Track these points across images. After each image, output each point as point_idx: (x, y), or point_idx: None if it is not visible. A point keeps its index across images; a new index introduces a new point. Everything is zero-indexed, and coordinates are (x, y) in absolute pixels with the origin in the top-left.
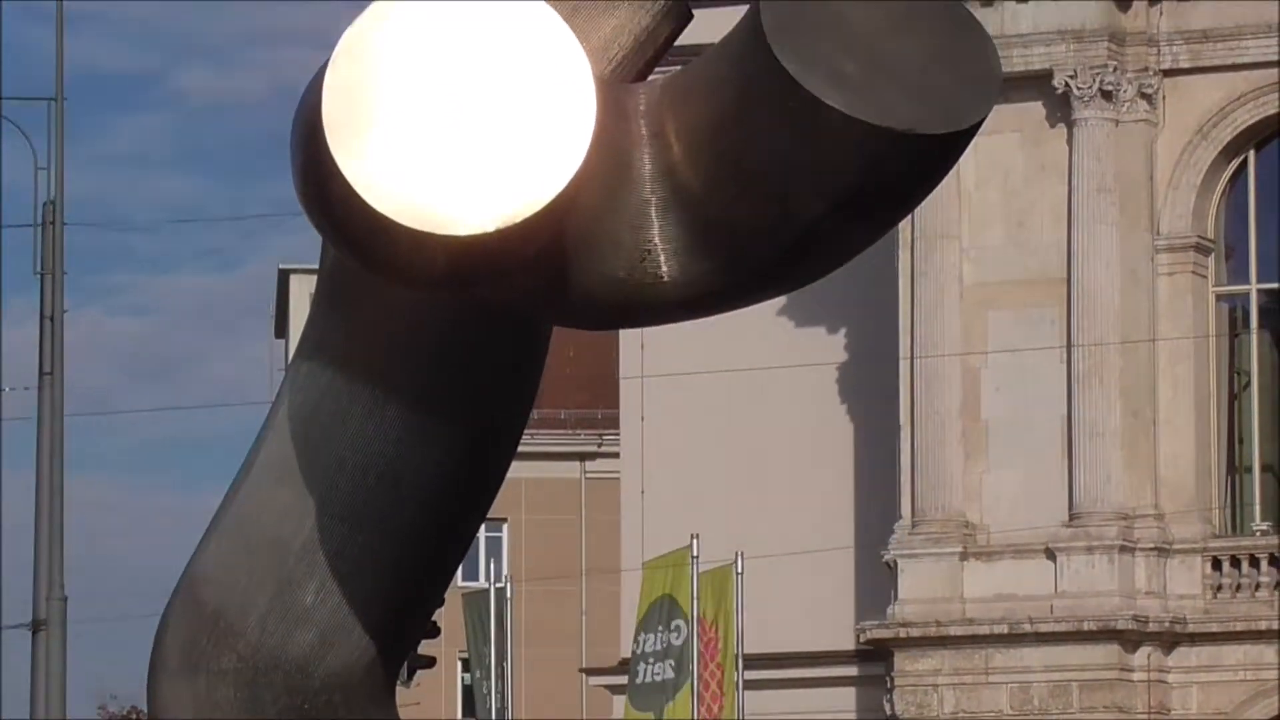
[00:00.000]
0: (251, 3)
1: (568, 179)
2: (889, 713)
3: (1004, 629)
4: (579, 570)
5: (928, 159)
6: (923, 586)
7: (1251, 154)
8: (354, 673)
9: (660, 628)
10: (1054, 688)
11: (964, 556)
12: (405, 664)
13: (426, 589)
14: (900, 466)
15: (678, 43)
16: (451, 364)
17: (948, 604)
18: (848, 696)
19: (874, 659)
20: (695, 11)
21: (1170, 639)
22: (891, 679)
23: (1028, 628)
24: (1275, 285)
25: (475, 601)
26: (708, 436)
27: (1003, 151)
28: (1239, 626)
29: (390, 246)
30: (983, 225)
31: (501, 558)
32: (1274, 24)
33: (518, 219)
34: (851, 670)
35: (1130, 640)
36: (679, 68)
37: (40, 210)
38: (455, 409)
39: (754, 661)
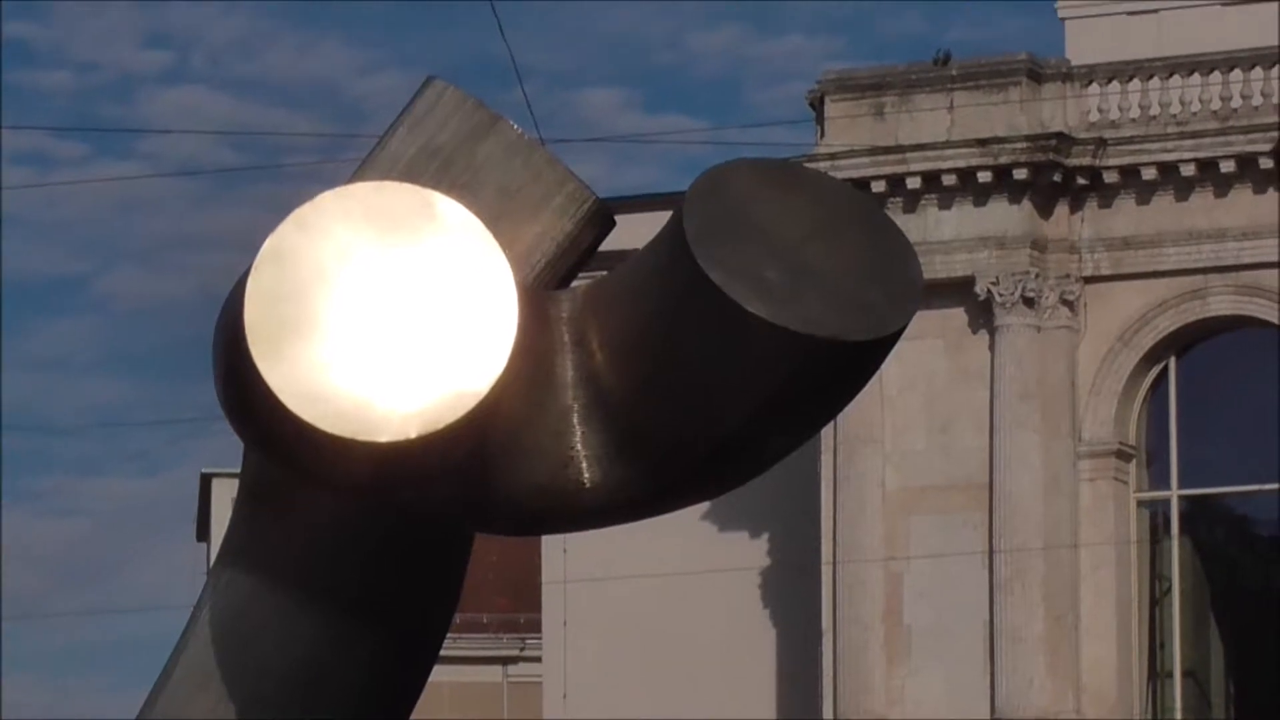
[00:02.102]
0: (182, 208)
1: (490, 386)
2: None
3: None
4: None
5: (850, 366)
6: None
7: (1172, 360)
8: None
9: None
10: None
11: None
12: None
13: None
14: (823, 671)
15: (601, 248)
16: (374, 568)
17: None
18: None
19: None
20: (618, 217)
21: None
22: None
23: None
24: (1197, 491)
25: None
26: (630, 641)
27: (925, 357)
28: None
29: (312, 453)
30: (905, 430)
31: None
32: (1195, 231)
33: (440, 426)
34: None
35: None
36: (603, 273)
37: None
38: (378, 613)
39: None
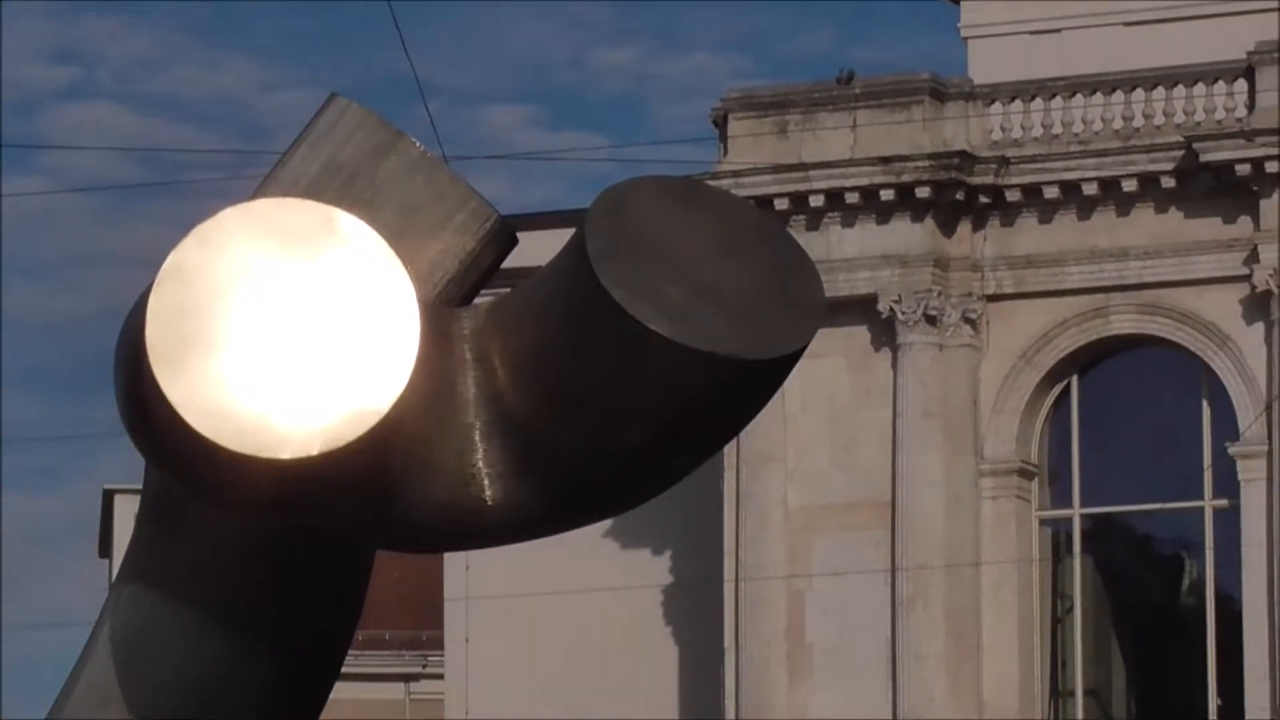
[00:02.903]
0: (85, 224)
1: (391, 403)
2: None
3: None
4: None
5: (752, 384)
6: None
7: (1074, 379)
8: None
9: None
10: None
11: None
12: None
13: None
14: (725, 688)
15: (504, 266)
16: (276, 586)
17: None
18: None
19: None
20: (522, 235)
21: None
22: None
23: None
24: (1098, 510)
25: None
26: (533, 658)
27: (828, 375)
28: None
29: (213, 470)
30: (808, 448)
31: None
32: (1096, 250)
33: (341, 443)
34: None
35: None
36: (506, 291)
37: None
38: (280, 630)
39: None
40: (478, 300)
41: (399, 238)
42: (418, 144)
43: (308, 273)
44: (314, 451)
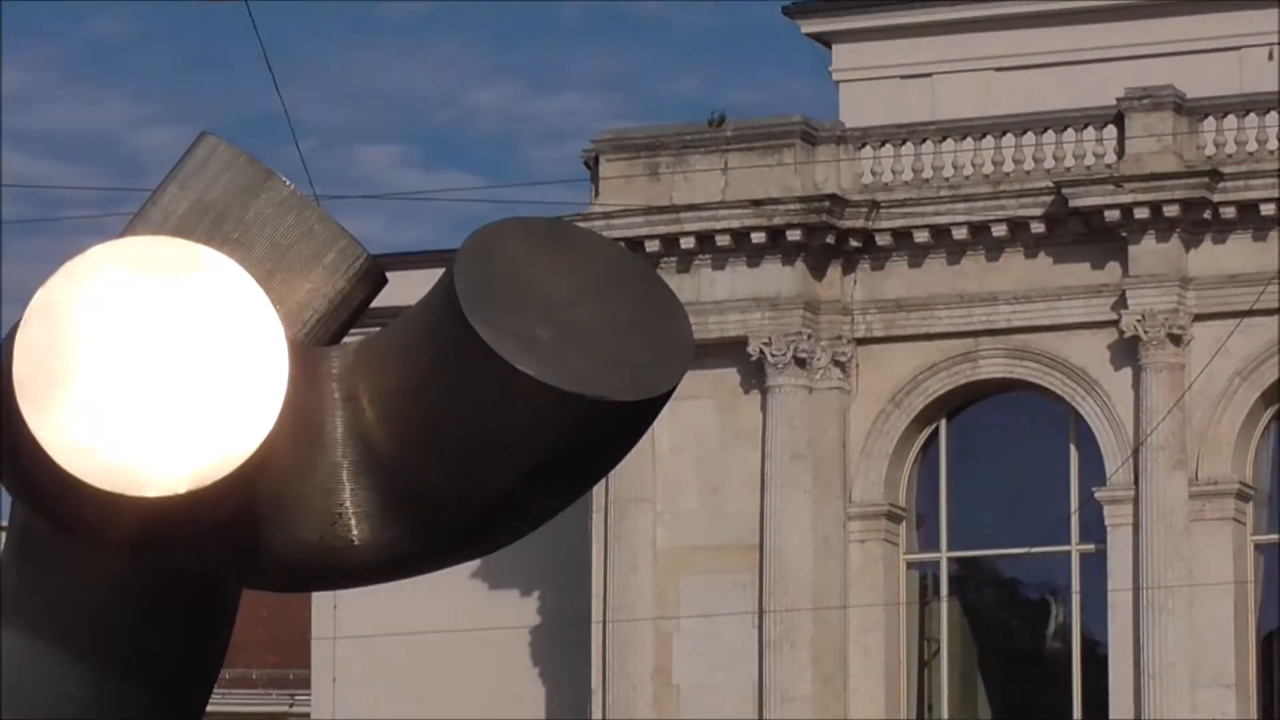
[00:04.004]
0: None
1: (259, 442)
2: None
3: None
4: None
5: (619, 426)
6: None
7: (943, 423)
8: None
9: None
10: None
11: None
12: None
13: None
14: None
15: (376, 305)
16: (142, 624)
17: None
18: None
19: None
20: (395, 274)
21: None
22: None
23: None
24: (966, 554)
25: None
26: (400, 698)
27: (697, 417)
28: None
29: (79, 507)
30: (676, 490)
31: None
32: (966, 294)
33: (208, 481)
34: None
35: None
36: (376, 330)
37: None
38: (145, 669)
39: None
40: (347, 339)
41: (268, 276)
42: (288, 183)
43: (176, 311)
44: (181, 490)
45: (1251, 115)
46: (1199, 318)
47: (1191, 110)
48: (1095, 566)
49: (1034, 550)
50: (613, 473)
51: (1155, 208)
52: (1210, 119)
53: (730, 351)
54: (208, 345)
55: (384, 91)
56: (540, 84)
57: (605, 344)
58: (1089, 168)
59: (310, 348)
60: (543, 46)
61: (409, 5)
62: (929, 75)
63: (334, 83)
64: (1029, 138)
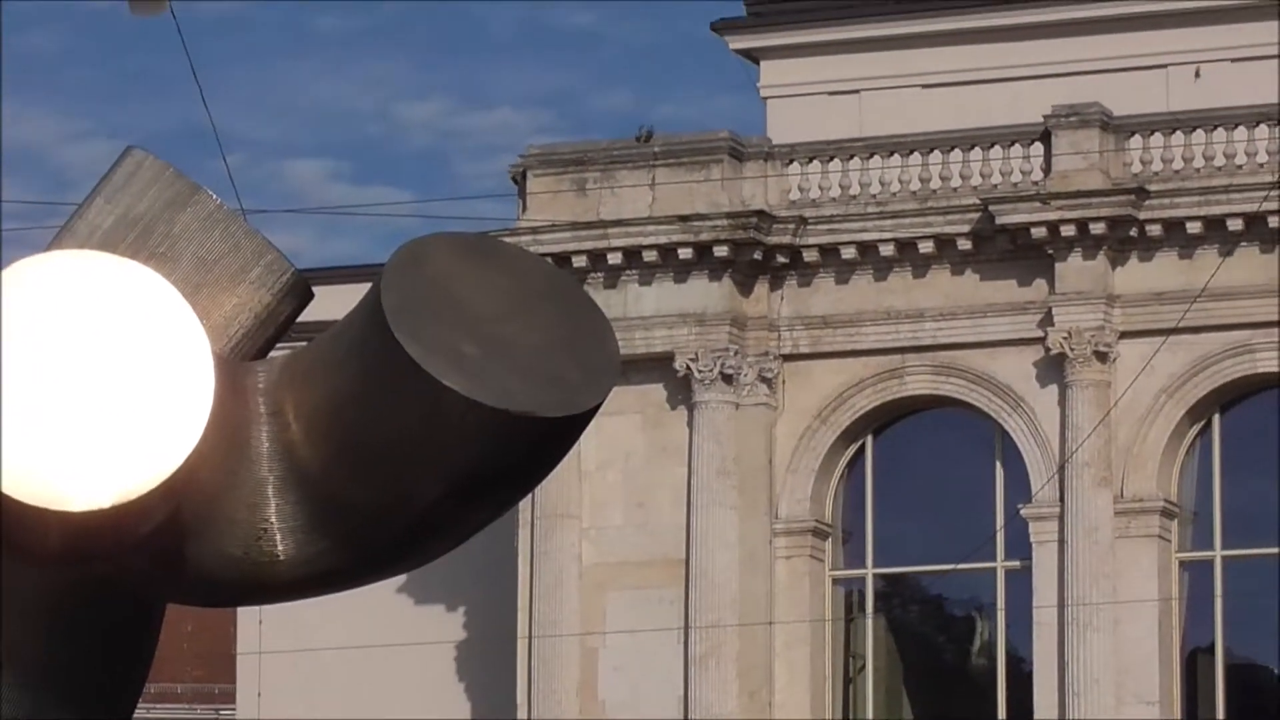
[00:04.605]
0: None
1: (184, 456)
2: None
3: None
4: None
5: (545, 442)
6: None
7: (869, 439)
8: None
9: None
10: None
11: None
12: None
13: None
14: None
15: (303, 319)
16: (65, 636)
17: None
18: None
19: None
20: (324, 288)
21: None
22: None
23: None
24: (891, 570)
25: None
26: (325, 713)
27: (624, 433)
28: None
29: (3, 521)
30: (603, 506)
31: None
32: (892, 311)
33: (134, 496)
34: None
35: None
36: (303, 344)
37: None
38: (69, 684)
39: None
40: (273, 354)
41: (194, 291)
42: (214, 197)
43: (102, 325)
44: (106, 504)
45: (1178, 133)
46: (1125, 335)
47: (1118, 128)
48: (1020, 583)
49: (959, 567)
50: (539, 488)
51: (1082, 225)
52: (1137, 137)
53: (657, 367)
54: (133, 359)
55: (315, 105)
56: (472, 99)
57: (531, 360)
58: (1016, 185)
59: (236, 362)
60: (475, 62)
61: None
62: (857, 92)
63: (264, 97)
64: (956, 155)
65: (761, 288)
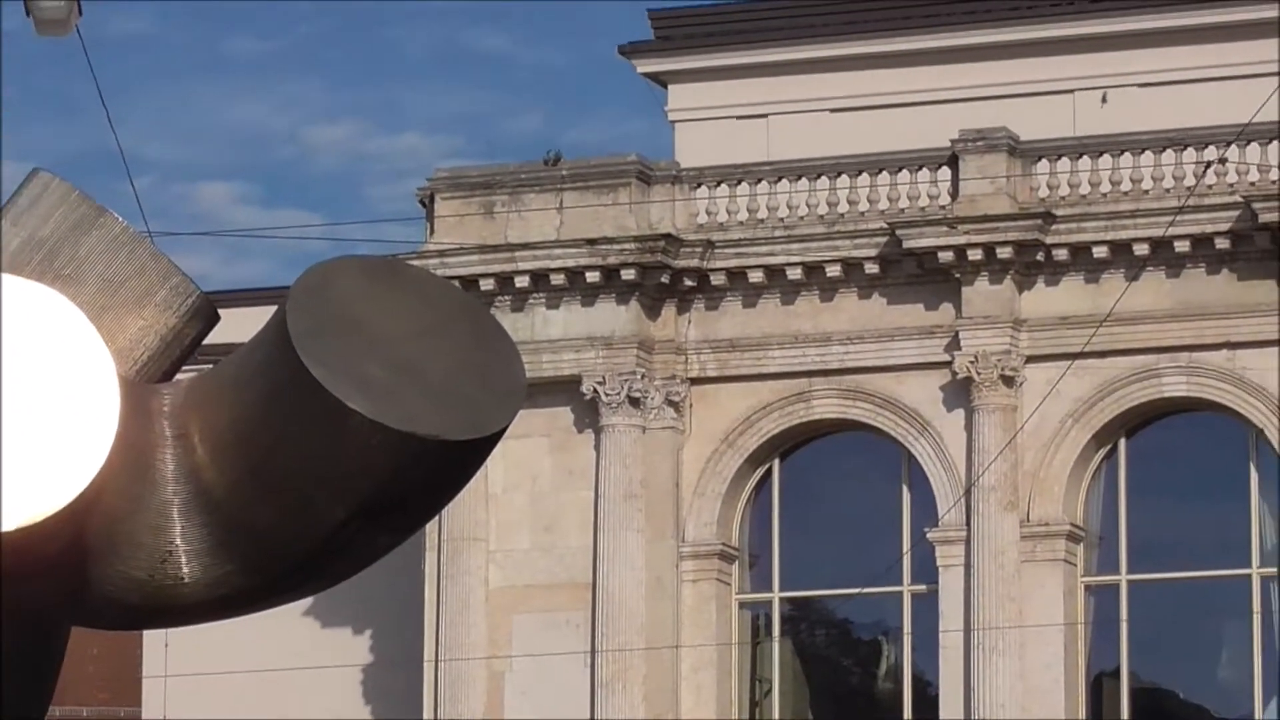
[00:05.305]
0: None
1: (89, 479)
2: None
3: None
4: None
5: (451, 465)
6: None
7: (776, 463)
8: None
9: None
10: None
11: None
12: None
13: None
14: None
15: (208, 342)
16: None
17: None
18: None
19: None
20: (233, 311)
21: None
22: None
23: None
24: (798, 594)
25: None
26: None
27: (531, 456)
28: None
29: None
30: (510, 529)
31: None
32: (800, 334)
33: (39, 518)
34: None
35: None
36: (209, 367)
37: None
38: None
39: None
40: (179, 376)
41: (100, 313)
42: (121, 220)
43: (7, 347)
44: (9, 527)
45: (1084, 158)
46: (1031, 359)
47: (1025, 152)
48: (927, 607)
49: (866, 591)
50: (445, 511)
51: (989, 249)
52: (1044, 161)
53: (564, 390)
54: (39, 382)
55: (226, 128)
56: (383, 122)
57: (438, 383)
58: (923, 209)
59: (142, 385)
60: (387, 85)
61: (255, 42)
62: (764, 116)
63: (175, 119)
64: (864, 179)
65: (669, 311)
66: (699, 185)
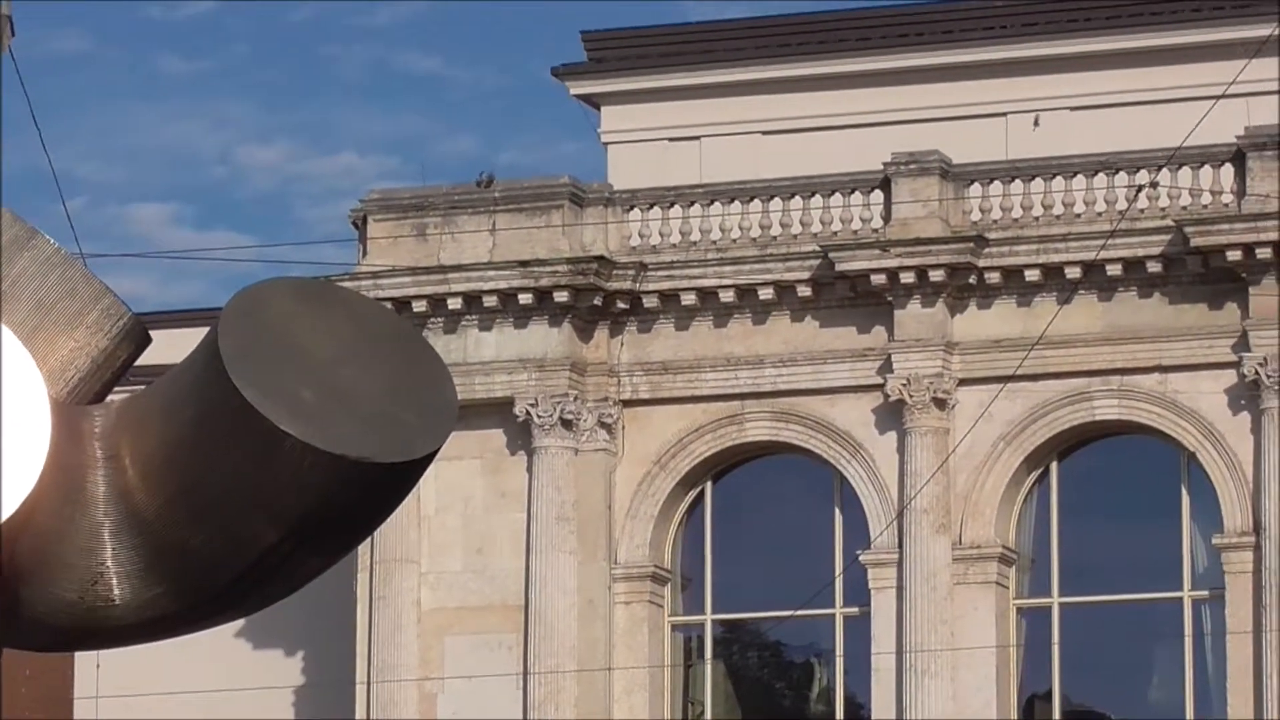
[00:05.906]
0: None
1: (19, 501)
2: None
3: None
4: None
5: (382, 487)
6: None
7: (709, 485)
8: None
9: None
10: None
11: None
12: None
13: None
14: None
15: (140, 363)
16: None
17: None
18: None
19: None
20: (165, 333)
21: None
22: None
23: None
24: (730, 616)
25: None
26: None
27: (463, 478)
28: None
29: None
30: (442, 551)
31: None
32: (732, 357)
33: None
34: None
35: None
36: (141, 388)
37: None
38: None
39: None
40: (110, 398)
41: (31, 334)
42: (52, 241)
43: None
44: None
45: (1017, 181)
46: (964, 382)
47: (957, 176)
48: (859, 629)
49: (798, 613)
50: (377, 533)
51: (921, 272)
52: (976, 185)
53: (497, 412)
54: None
55: (159, 148)
56: (316, 143)
57: (369, 405)
58: (855, 232)
59: (73, 406)
60: (321, 105)
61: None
62: (697, 138)
63: (108, 139)
64: (796, 201)
65: (601, 333)
66: (632, 207)
